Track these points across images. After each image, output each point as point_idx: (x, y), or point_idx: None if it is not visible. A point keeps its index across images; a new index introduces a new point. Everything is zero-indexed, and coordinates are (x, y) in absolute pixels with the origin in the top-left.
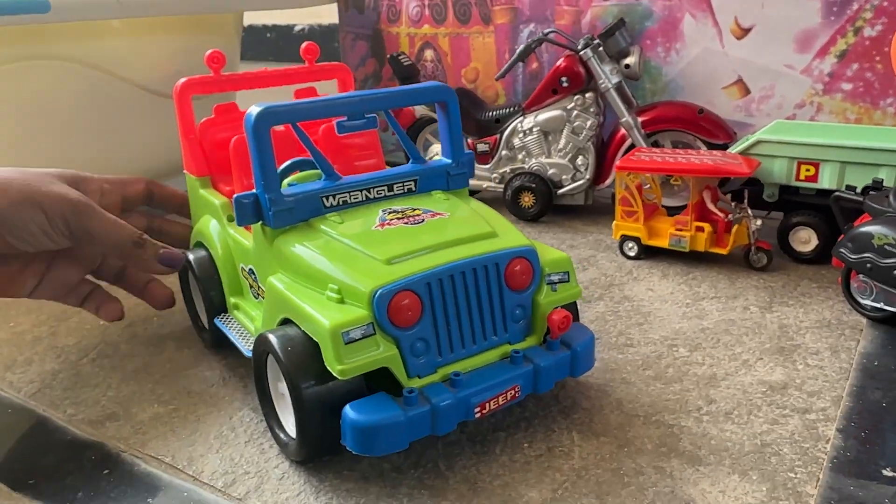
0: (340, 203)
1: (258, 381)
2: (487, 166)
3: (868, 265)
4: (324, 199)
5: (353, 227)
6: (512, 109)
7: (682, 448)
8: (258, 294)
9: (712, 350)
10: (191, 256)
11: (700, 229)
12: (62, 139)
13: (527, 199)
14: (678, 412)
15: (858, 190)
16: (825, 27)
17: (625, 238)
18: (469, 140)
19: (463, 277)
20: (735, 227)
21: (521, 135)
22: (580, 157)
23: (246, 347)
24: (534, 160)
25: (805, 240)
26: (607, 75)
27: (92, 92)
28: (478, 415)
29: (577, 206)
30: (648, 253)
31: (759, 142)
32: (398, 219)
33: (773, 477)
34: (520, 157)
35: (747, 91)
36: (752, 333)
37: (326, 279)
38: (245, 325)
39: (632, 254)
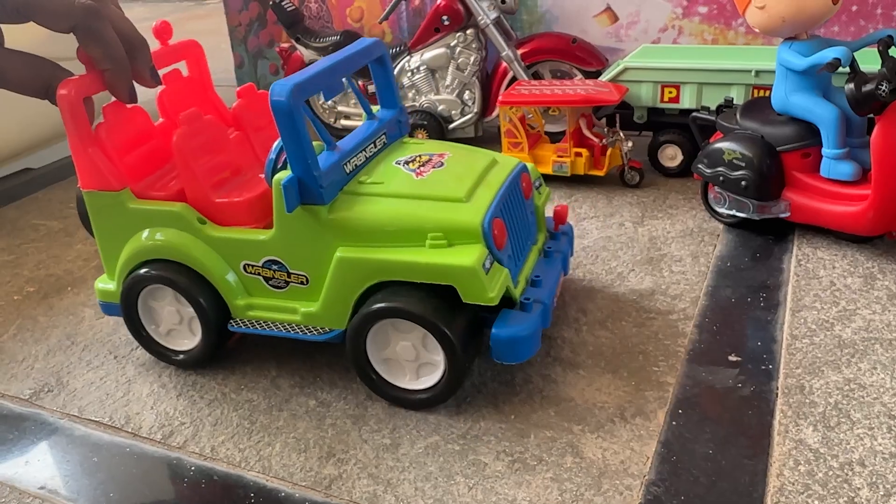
0: (354, 168)
1: (357, 358)
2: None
3: (721, 178)
4: (345, 167)
5: (398, 184)
6: (399, 49)
7: (563, 357)
8: (286, 283)
9: (591, 267)
10: (156, 275)
11: (579, 154)
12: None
13: (420, 136)
14: (558, 325)
15: (713, 109)
16: None
17: None
18: (360, 82)
19: (509, 197)
20: (610, 151)
21: (409, 74)
22: (467, 92)
23: (311, 334)
24: (423, 98)
25: (672, 156)
26: (485, 11)
27: None
28: (555, 303)
29: (468, 138)
30: None
31: (626, 69)
32: (422, 166)
33: (639, 372)
34: (410, 95)
35: (616, 18)
36: (626, 248)
37: (423, 231)
38: (279, 318)
39: None
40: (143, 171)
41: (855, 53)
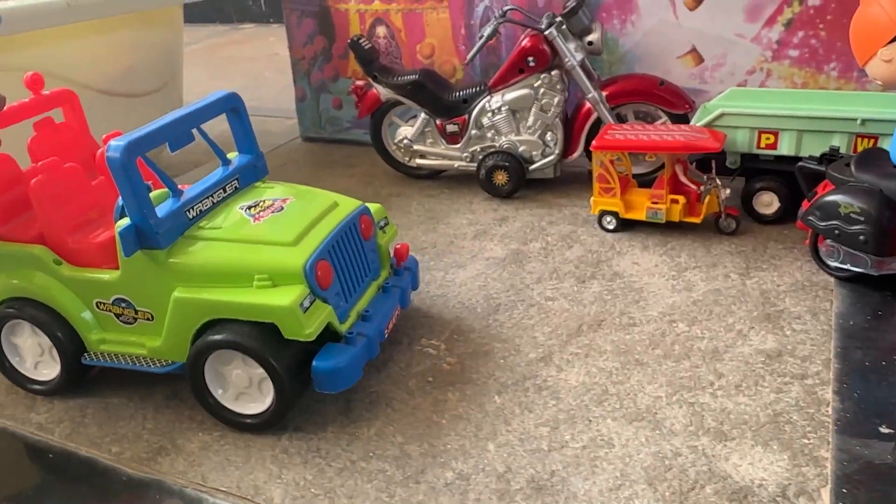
0: (198, 213)
1: (197, 383)
2: (457, 146)
3: (836, 232)
4: (187, 213)
5: (236, 229)
6: (478, 89)
7: (707, 425)
8: (134, 319)
9: (708, 323)
10: (16, 313)
11: (675, 201)
12: (22, 148)
13: (500, 178)
14: (694, 389)
15: (817, 156)
16: None
17: (603, 213)
18: (437, 121)
19: (343, 239)
20: (707, 197)
21: (489, 114)
22: (549, 133)
23: (155, 366)
24: (504, 138)
25: (767, 203)
26: (572, 53)
27: None
28: (386, 335)
29: (546, 179)
30: (625, 225)
31: (722, 114)
32: (262, 211)
33: (790, 445)
34: (489, 135)
35: (701, 60)
36: (738, 302)
37: (250, 273)
38: (128, 351)
39: (610, 227)
40: (10, 214)
41: None
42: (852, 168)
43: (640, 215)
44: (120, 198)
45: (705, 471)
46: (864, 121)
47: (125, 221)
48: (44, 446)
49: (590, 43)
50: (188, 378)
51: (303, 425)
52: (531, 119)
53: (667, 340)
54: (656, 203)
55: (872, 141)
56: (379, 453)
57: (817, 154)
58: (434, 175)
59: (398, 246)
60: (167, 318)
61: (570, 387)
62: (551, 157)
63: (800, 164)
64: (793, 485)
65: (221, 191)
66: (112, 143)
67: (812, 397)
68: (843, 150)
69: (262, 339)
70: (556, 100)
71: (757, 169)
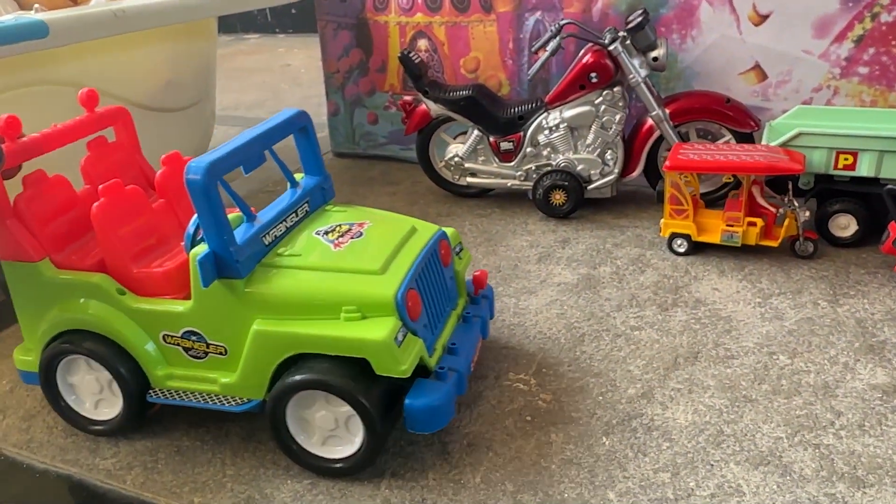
0: (273, 239)
1: (279, 429)
2: (512, 164)
3: None
4: (263, 239)
5: (317, 256)
6: (534, 105)
7: (839, 470)
8: (205, 353)
9: (809, 355)
10: (74, 347)
11: (752, 224)
12: (63, 163)
13: (558, 197)
14: (815, 429)
15: None
16: (843, 13)
17: (674, 235)
18: (492, 139)
19: (426, 266)
20: (785, 221)
21: (546, 131)
22: (609, 152)
23: (229, 405)
24: (561, 157)
25: (844, 226)
26: (636, 69)
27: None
28: (472, 369)
29: (602, 199)
30: (696, 248)
31: (799, 134)
32: (341, 237)
33: None
34: (545, 153)
35: (764, 76)
36: (835, 332)
37: (338, 304)
38: (198, 387)
39: (681, 250)
40: (66, 240)
41: None
42: None
43: (713, 238)
44: (191, 224)
45: None
46: None
47: (203, 249)
48: (116, 496)
49: (655, 59)
50: (270, 425)
51: (399, 471)
52: (591, 137)
53: (771, 374)
54: (732, 226)
55: None
56: (491, 503)
57: None
58: (481, 194)
59: (476, 273)
60: (245, 352)
61: (680, 427)
62: (611, 177)
63: (889, 187)
64: None
65: (294, 215)
66: (192, 164)
67: None
68: None
69: (349, 376)
70: (617, 117)
71: (832, 190)
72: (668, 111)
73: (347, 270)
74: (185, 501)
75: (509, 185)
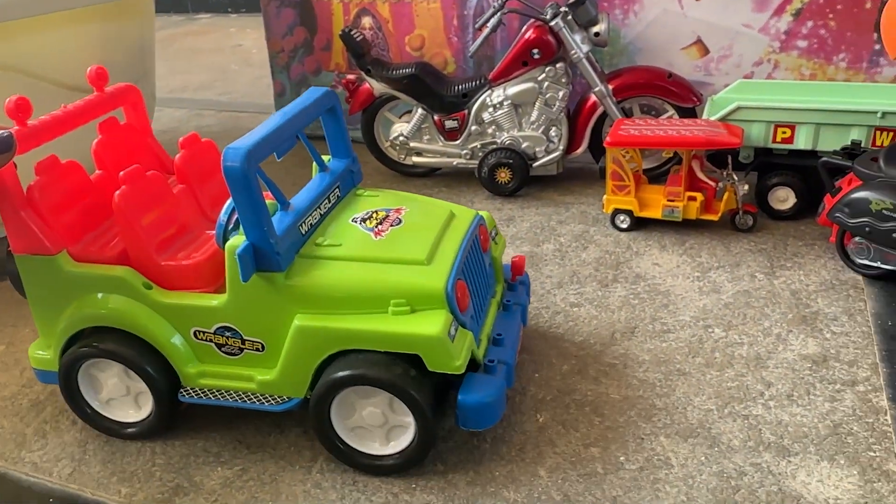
0: (309, 227)
1: (324, 427)
2: (457, 142)
3: (867, 229)
4: (300, 228)
5: (357, 246)
6: (478, 83)
7: (766, 440)
8: (240, 350)
9: (744, 327)
10: (98, 349)
11: (692, 198)
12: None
13: (503, 175)
14: (745, 400)
15: (834, 150)
16: None
17: (617, 211)
18: (436, 117)
19: (469, 253)
20: (725, 195)
21: (490, 109)
22: (553, 129)
23: (268, 404)
24: (506, 134)
25: (783, 198)
26: (578, 45)
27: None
28: (518, 358)
29: (548, 176)
30: (638, 224)
31: (738, 108)
32: (380, 224)
33: (857, 459)
34: (490, 131)
35: (706, 51)
36: (770, 304)
37: (385, 297)
38: (233, 385)
39: (624, 226)
40: (82, 231)
41: None
42: (881, 163)
43: (655, 213)
44: (224, 212)
45: (775, 491)
46: (884, 113)
47: (240, 241)
48: (42, 490)
49: (596, 34)
50: (314, 423)
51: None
52: (535, 114)
53: (706, 347)
54: (673, 200)
55: (892, 134)
56: (422, 484)
57: (834, 148)
58: (429, 173)
59: (515, 258)
60: (285, 348)
61: (612, 401)
62: (556, 154)
63: (823, 159)
64: (871, 503)
65: (326, 201)
66: (230, 151)
67: (868, 405)
68: (862, 144)
69: (399, 371)
70: (560, 94)
71: (771, 164)
72: (610, 87)
73: (393, 261)
74: (112, 492)
75: (455, 163)
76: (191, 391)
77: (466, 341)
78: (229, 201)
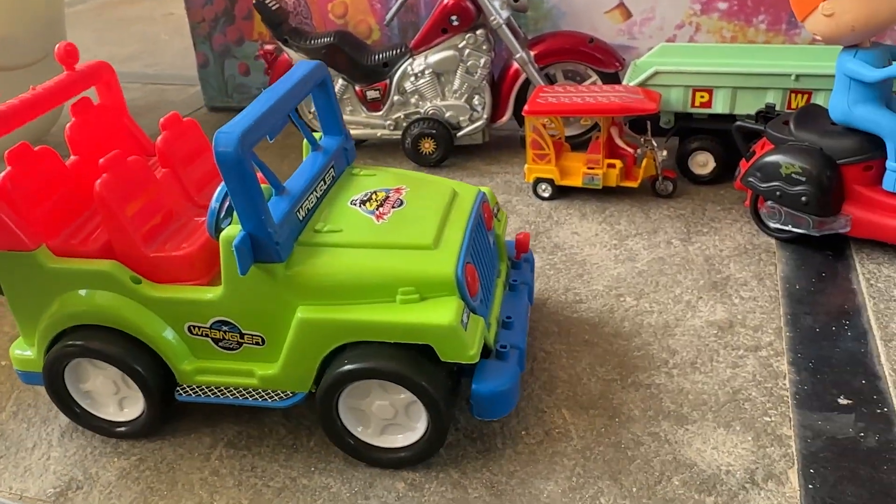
0: (306, 212)
1: (331, 423)
2: (380, 113)
3: (777, 193)
4: (297, 214)
5: (360, 231)
6: (399, 51)
7: (665, 409)
8: (238, 344)
9: (655, 295)
10: (84, 347)
11: (611, 166)
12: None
13: (427, 146)
14: (649, 369)
15: (752, 113)
16: None
17: (538, 180)
18: (357, 88)
19: (475, 234)
20: (644, 161)
21: (412, 78)
22: (476, 97)
23: (273, 400)
24: (429, 104)
25: (703, 163)
26: (497, 11)
27: None
28: (529, 340)
29: (474, 145)
30: (561, 192)
31: (656, 73)
32: (380, 206)
33: (752, 424)
34: (413, 101)
35: (629, 14)
36: (683, 271)
37: (393, 285)
38: (233, 381)
39: (546, 195)
40: (61, 223)
41: None
42: (791, 126)
43: (576, 182)
44: (215, 199)
45: (670, 460)
46: (798, 76)
47: (236, 231)
48: None
49: (515, 0)
50: (321, 418)
51: (235, 440)
52: (457, 82)
53: (615, 317)
54: (592, 168)
55: (806, 96)
56: (321, 467)
57: (752, 112)
58: (355, 145)
59: (519, 235)
60: (288, 343)
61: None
62: (479, 123)
63: (737, 123)
64: (760, 468)
65: (322, 182)
66: (221, 135)
67: (768, 370)
68: (777, 107)
69: (409, 362)
70: (482, 61)
71: (691, 129)
72: (532, 53)
73: (398, 246)
74: (3, 489)
75: (379, 134)
76: (188, 389)
77: (479, 328)
78: (221, 187)
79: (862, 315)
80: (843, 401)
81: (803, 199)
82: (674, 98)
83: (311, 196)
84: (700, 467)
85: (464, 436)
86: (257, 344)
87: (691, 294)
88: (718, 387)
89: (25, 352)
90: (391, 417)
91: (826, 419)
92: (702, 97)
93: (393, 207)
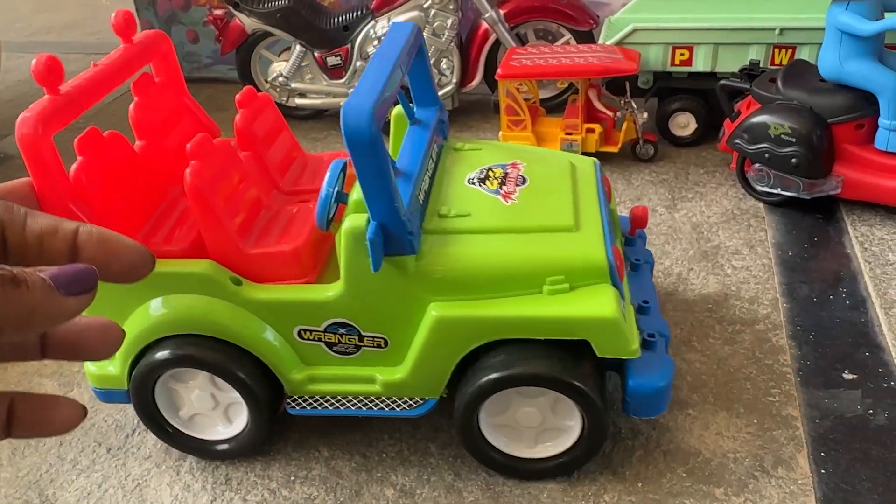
0: (424, 194)
1: (473, 436)
2: (342, 80)
3: (766, 155)
4: (418, 199)
5: (490, 215)
6: (360, 14)
7: None
8: (357, 348)
9: None
10: (181, 356)
11: (590, 130)
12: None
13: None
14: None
15: (734, 71)
16: None
17: None
18: (317, 54)
19: (605, 209)
20: (624, 124)
21: (375, 42)
22: (444, 61)
23: (399, 409)
24: None
25: (684, 124)
26: None
27: None
28: None
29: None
30: None
31: (634, 30)
32: (502, 185)
33: (755, 405)
34: None
35: None
36: (672, 240)
37: (540, 274)
38: (351, 390)
39: None
40: (140, 219)
41: None
42: (779, 84)
43: (553, 148)
44: (327, 184)
45: (672, 449)
46: (782, 30)
47: (362, 221)
48: None
49: None
50: (460, 433)
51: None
52: None
53: None
54: (570, 134)
55: (790, 51)
56: (303, 476)
57: (735, 69)
58: (316, 115)
59: (636, 209)
60: (419, 344)
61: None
62: (448, 88)
63: (722, 82)
64: (768, 454)
65: (430, 160)
66: (349, 109)
67: (767, 345)
68: (761, 63)
69: (563, 362)
70: (449, 21)
71: (671, 88)
72: (502, 12)
73: (537, 230)
74: None
75: (342, 103)
76: (300, 401)
77: (631, 317)
78: (331, 169)
79: (859, 281)
80: (847, 375)
81: (793, 160)
82: (652, 57)
83: (425, 177)
84: (705, 455)
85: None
86: (379, 347)
87: (682, 266)
88: (717, 366)
89: (104, 368)
90: (538, 424)
91: (832, 396)
92: (682, 55)
93: (517, 185)
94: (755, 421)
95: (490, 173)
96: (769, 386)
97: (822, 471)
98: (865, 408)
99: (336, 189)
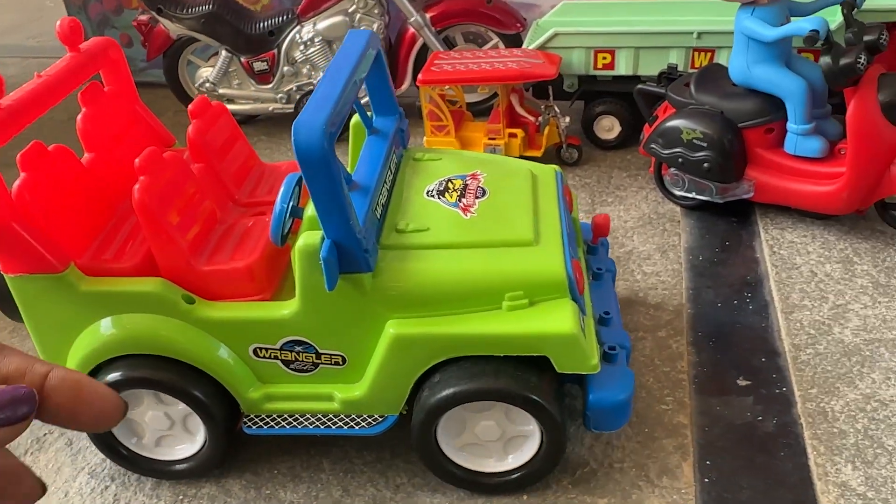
0: (382, 207)
1: (427, 449)
2: (269, 86)
3: (680, 160)
4: (376, 213)
5: (447, 229)
6: (285, 18)
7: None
8: (314, 365)
9: None
10: (132, 378)
11: (513, 135)
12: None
13: None
14: None
15: (656, 74)
16: None
17: None
18: (243, 59)
19: (565, 220)
20: (547, 128)
21: (301, 47)
22: None
23: (359, 427)
24: (321, 73)
25: (608, 128)
26: None
27: None
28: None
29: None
30: None
31: (556, 34)
32: (461, 197)
33: (648, 414)
34: (305, 71)
35: None
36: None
37: (500, 289)
38: (308, 408)
39: None
40: (87, 235)
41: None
42: (692, 89)
43: (477, 152)
44: (281, 200)
45: (561, 460)
46: (700, 34)
47: (316, 239)
48: None
49: None
50: (418, 447)
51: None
52: None
53: None
54: (493, 139)
55: (709, 55)
56: (192, 494)
57: (655, 72)
58: (246, 121)
59: (597, 217)
60: (377, 363)
61: None
62: None
63: (639, 86)
64: (655, 463)
65: (388, 172)
66: (301, 125)
67: (667, 352)
68: (680, 67)
69: (519, 377)
70: (375, 26)
71: (596, 92)
72: (428, 16)
73: (497, 244)
74: None
75: (271, 109)
76: (257, 420)
77: (591, 331)
78: (285, 184)
79: (764, 286)
80: (742, 382)
81: (705, 165)
82: (575, 60)
83: (383, 189)
84: (592, 466)
85: (350, 447)
86: (336, 364)
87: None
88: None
89: None
90: (497, 439)
91: (724, 403)
92: (604, 58)
93: (477, 198)
94: (646, 430)
95: (449, 185)
96: (664, 394)
97: (706, 479)
98: (755, 415)
99: (291, 204)
